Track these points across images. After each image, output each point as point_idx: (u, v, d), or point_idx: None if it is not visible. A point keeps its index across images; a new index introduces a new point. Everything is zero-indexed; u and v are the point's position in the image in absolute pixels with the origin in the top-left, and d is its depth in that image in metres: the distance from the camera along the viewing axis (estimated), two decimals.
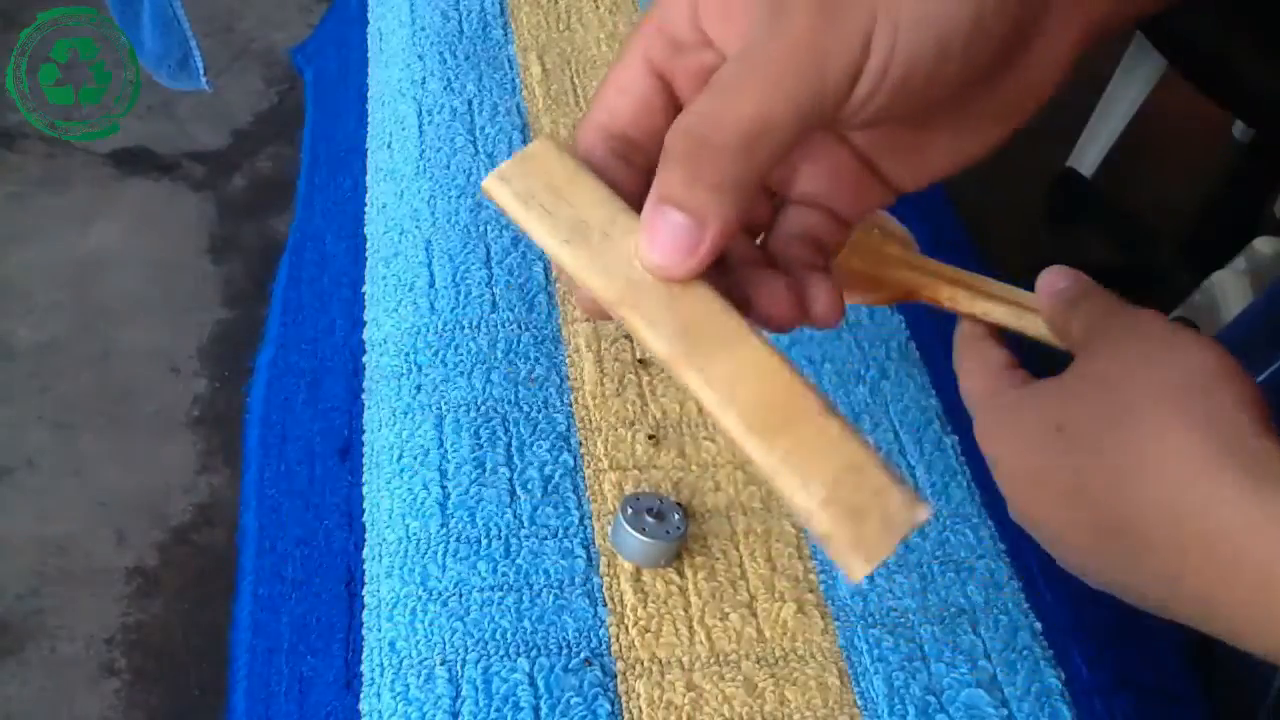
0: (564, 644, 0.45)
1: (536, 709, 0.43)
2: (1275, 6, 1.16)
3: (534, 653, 0.44)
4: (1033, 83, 0.29)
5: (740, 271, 0.29)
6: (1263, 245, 1.09)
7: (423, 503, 0.49)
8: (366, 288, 0.59)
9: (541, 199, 0.27)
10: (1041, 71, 0.28)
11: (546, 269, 0.59)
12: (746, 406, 0.25)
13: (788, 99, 0.24)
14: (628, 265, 0.26)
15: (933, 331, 0.60)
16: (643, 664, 0.45)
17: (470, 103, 0.68)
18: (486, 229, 0.61)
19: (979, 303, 0.34)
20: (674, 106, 0.28)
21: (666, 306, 0.26)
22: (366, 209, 0.64)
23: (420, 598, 0.45)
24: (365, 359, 0.56)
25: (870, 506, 0.23)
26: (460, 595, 0.46)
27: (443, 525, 0.48)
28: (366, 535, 0.49)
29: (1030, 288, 0.36)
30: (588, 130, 0.29)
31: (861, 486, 0.23)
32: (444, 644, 0.44)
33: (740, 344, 0.26)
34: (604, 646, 0.45)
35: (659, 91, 0.28)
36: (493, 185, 0.27)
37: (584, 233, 0.27)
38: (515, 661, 0.44)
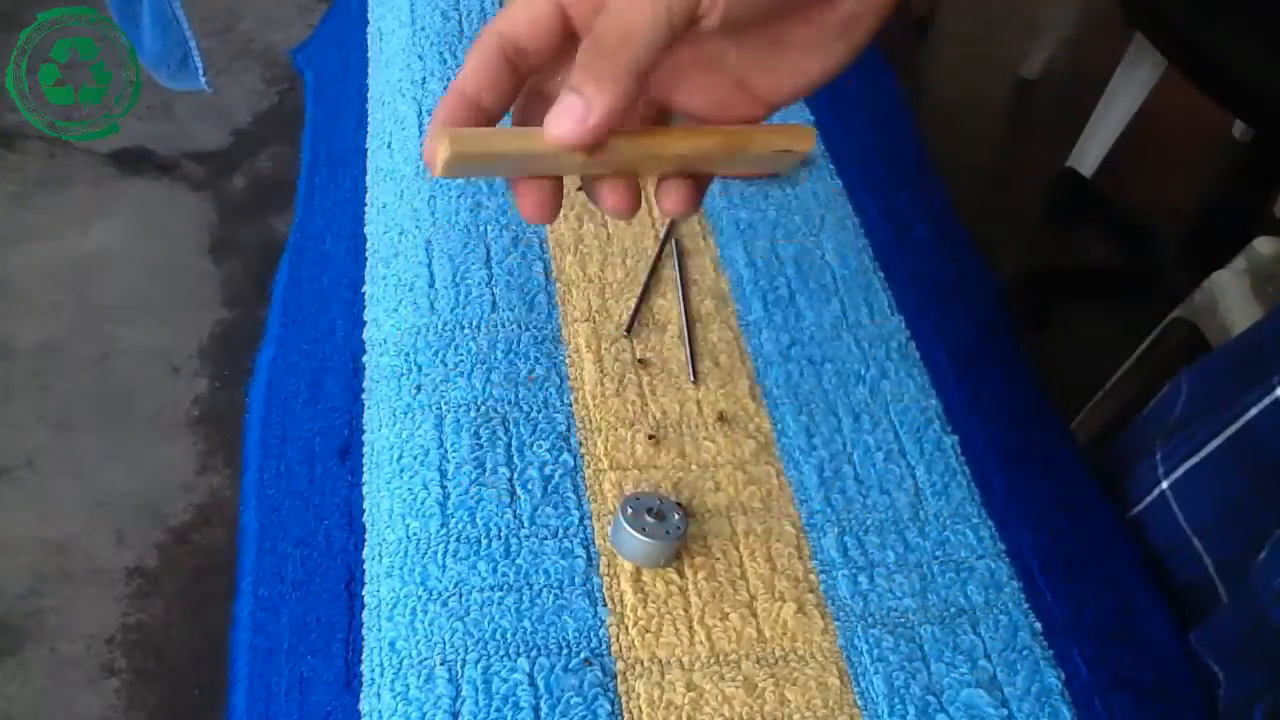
0: (564, 644, 0.45)
1: (536, 709, 0.43)
2: (1276, 6, 1.16)
3: (534, 653, 0.44)
4: (862, 3, 0.35)
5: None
6: (1263, 245, 1.09)
7: (423, 503, 0.49)
8: (366, 288, 0.60)
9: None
10: None
11: (546, 269, 0.59)
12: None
13: (655, 11, 0.33)
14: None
15: (933, 331, 0.60)
16: (643, 664, 0.45)
17: None
18: (486, 229, 0.61)
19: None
20: (566, 30, 0.36)
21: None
22: (366, 209, 0.64)
23: (420, 598, 0.46)
24: (365, 359, 0.56)
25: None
26: (460, 595, 0.46)
27: (443, 525, 0.48)
28: (366, 535, 0.49)
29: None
30: (487, 33, 0.36)
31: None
32: (444, 644, 0.44)
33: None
34: (604, 646, 0.45)
35: (556, 15, 0.35)
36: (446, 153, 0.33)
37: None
38: (515, 661, 0.44)
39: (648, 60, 0.33)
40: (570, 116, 0.33)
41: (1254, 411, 0.50)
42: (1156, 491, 0.55)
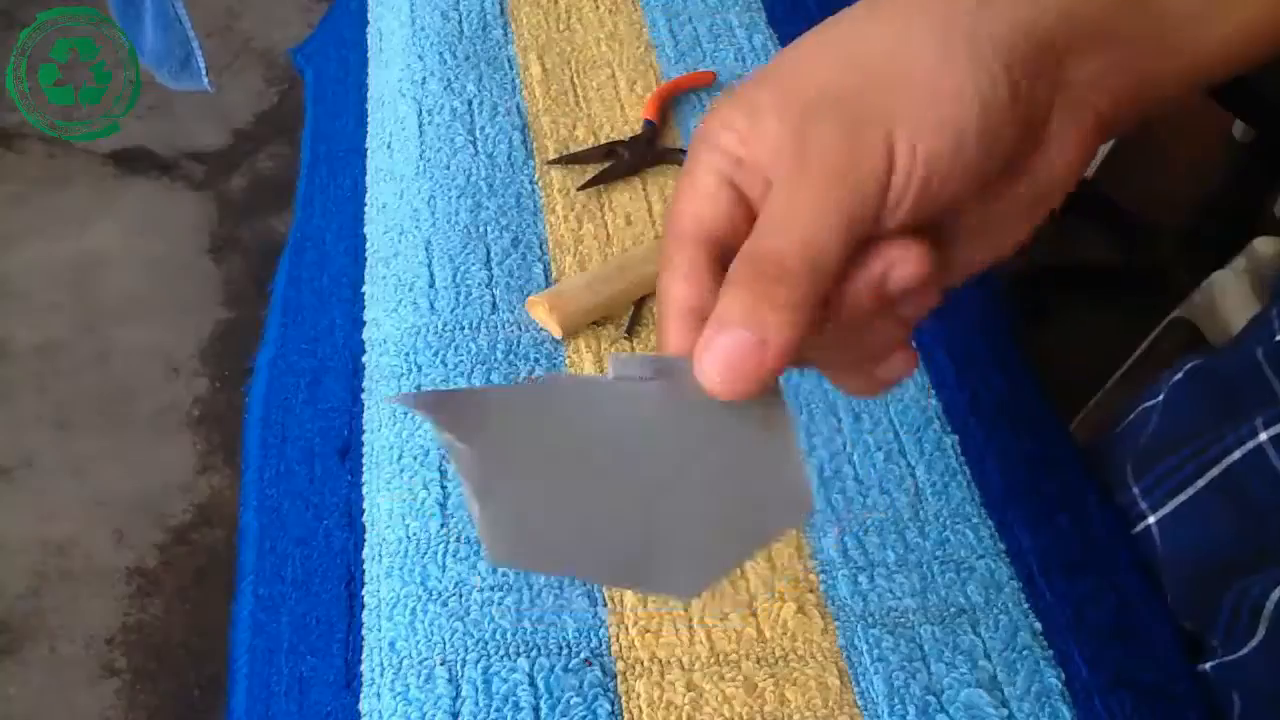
0: (564, 644, 0.45)
1: (536, 709, 0.43)
2: None
3: (534, 653, 0.44)
4: (1052, 176, 0.30)
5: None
6: (1263, 245, 1.09)
7: (423, 503, 0.49)
8: (366, 288, 0.60)
9: None
10: (1057, 166, 0.30)
11: (546, 270, 0.59)
12: None
13: (835, 219, 0.27)
14: None
15: (933, 331, 0.60)
16: (643, 664, 0.45)
17: (470, 103, 0.68)
18: (486, 229, 0.61)
19: None
20: (749, 212, 0.30)
21: None
22: (366, 209, 0.64)
23: (420, 598, 0.46)
24: (365, 359, 0.56)
25: None
26: (460, 595, 0.46)
27: (443, 525, 0.48)
28: (366, 535, 0.49)
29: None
30: (685, 241, 0.30)
31: None
32: (444, 644, 0.44)
33: None
34: (604, 646, 0.45)
35: (737, 199, 0.30)
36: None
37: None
38: (515, 661, 0.44)
39: (830, 283, 0.27)
40: (738, 358, 0.27)
41: (1237, 455, 0.50)
42: (1142, 526, 0.54)
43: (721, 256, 0.29)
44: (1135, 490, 0.55)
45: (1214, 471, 0.51)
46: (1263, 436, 0.49)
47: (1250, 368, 0.52)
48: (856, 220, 0.27)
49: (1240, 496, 0.50)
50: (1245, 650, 0.47)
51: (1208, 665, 0.50)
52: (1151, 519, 0.54)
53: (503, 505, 0.27)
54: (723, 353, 0.27)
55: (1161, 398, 0.57)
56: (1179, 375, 0.56)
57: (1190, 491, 0.52)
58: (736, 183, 0.30)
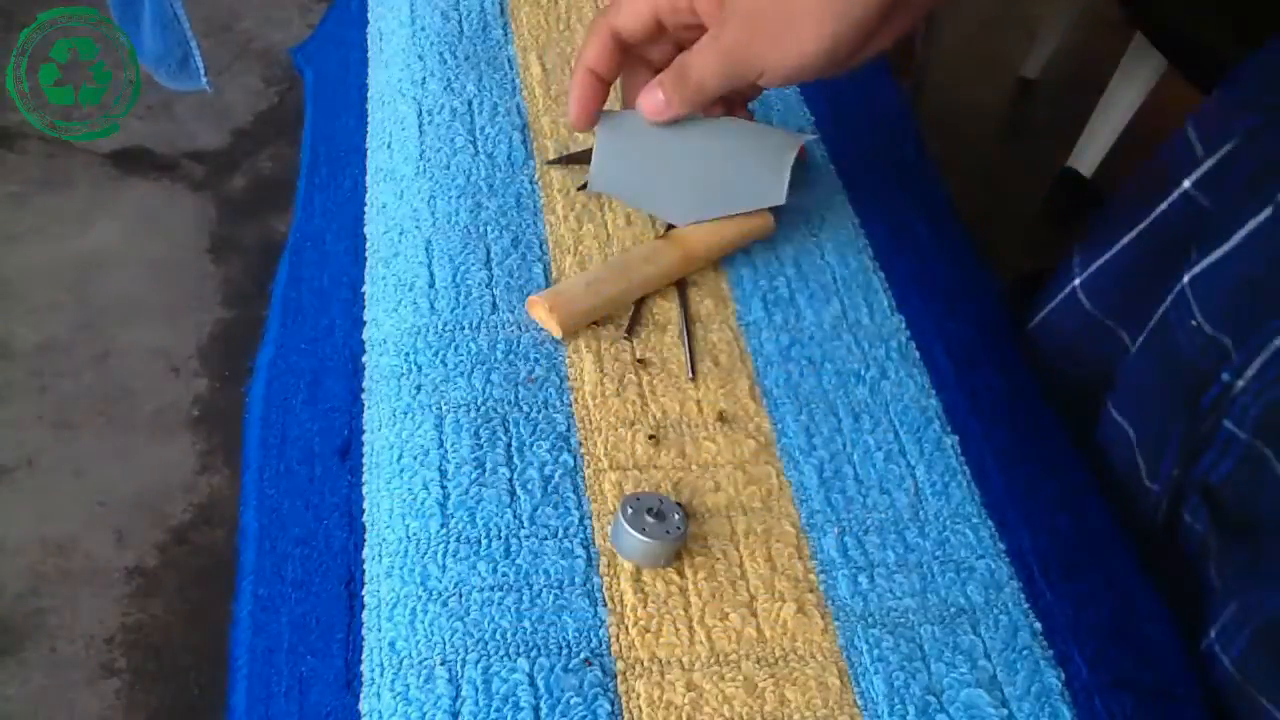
0: (564, 644, 0.45)
1: (536, 709, 0.43)
2: (1275, 6, 1.16)
3: (534, 653, 0.44)
4: None
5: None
6: None
7: (423, 503, 0.49)
8: (366, 288, 0.60)
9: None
10: None
11: (546, 270, 0.59)
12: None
13: (723, 80, 0.52)
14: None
15: (933, 331, 0.60)
16: (643, 664, 0.45)
17: (470, 103, 0.68)
18: (486, 229, 0.61)
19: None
20: (660, 29, 0.53)
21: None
22: (366, 209, 0.64)
23: (420, 598, 0.46)
24: (365, 359, 0.56)
25: None
26: (460, 595, 0.46)
27: (443, 525, 0.48)
28: (366, 535, 0.49)
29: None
30: (601, 24, 0.53)
31: None
32: (444, 644, 0.44)
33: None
34: (604, 646, 0.45)
35: (653, 18, 0.53)
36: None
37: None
38: (515, 661, 0.44)
39: (710, 97, 0.53)
40: (655, 103, 0.54)
41: (1163, 205, 0.56)
42: (1068, 289, 0.62)
43: (623, 43, 0.54)
44: (1074, 260, 0.63)
45: (1143, 224, 0.58)
46: (1186, 185, 0.55)
47: (1179, 142, 0.57)
48: (735, 78, 0.52)
49: (1165, 243, 0.56)
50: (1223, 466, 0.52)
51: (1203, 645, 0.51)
52: (1076, 281, 0.62)
53: (605, 160, 0.58)
54: (650, 102, 0.54)
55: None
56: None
57: (1116, 248, 0.60)
58: (661, 17, 0.52)
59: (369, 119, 0.70)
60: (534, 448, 0.51)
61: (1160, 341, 0.55)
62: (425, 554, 0.47)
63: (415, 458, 0.50)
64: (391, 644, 0.44)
